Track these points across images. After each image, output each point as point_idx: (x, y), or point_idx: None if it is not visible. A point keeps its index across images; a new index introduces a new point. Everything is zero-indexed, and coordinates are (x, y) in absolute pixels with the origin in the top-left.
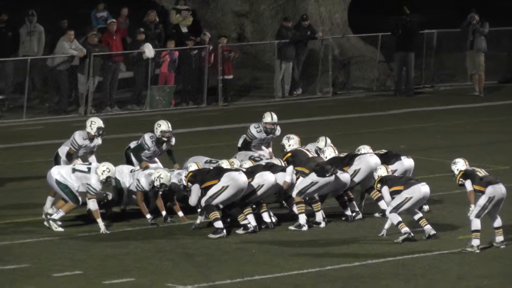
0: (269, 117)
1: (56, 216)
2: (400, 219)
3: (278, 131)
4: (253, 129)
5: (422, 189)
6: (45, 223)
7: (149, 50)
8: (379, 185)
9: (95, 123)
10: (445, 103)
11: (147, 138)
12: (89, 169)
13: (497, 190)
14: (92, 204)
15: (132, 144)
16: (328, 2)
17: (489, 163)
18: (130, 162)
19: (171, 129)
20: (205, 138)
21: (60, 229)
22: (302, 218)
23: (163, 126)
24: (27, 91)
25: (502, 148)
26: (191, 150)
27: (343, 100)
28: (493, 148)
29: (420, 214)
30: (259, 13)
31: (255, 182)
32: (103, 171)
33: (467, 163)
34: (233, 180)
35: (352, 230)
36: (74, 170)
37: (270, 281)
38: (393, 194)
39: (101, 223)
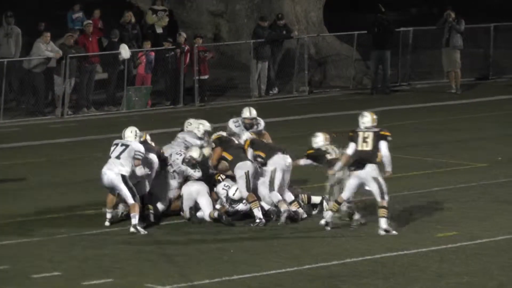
0: (247, 112)
1: (134, 221)
2: (279, 197)
3: (261, 125)
4: (231, 123)
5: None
6: (132, 229)
7: (125, 51)
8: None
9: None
10: (422, 101)
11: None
12: None
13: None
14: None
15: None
16: (304, 1)
17: (466, 160)
18: None
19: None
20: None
21: (144, 231)
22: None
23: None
24: (4, 93)
25: (480, 146)
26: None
27: (319, 99)
28: (471, 145)
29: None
30: (235, 12)
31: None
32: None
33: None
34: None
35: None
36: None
37: (249, 280)
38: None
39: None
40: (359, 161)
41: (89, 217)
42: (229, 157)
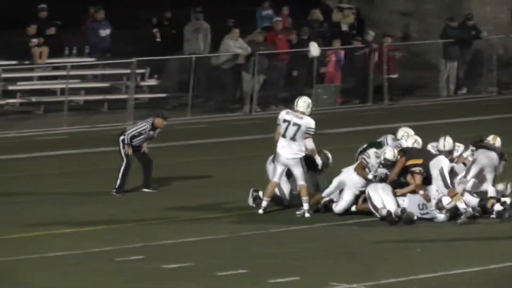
0: (442, 144)
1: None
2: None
3: (460, 150)
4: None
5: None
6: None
7: (314, 49)
8: None
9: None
10: None
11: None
12: None
13: None
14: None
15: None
16: (493, 2)
17: None
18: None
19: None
20: (371, 137)
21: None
22: None
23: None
24: (192, 89)
25: None
26: (355, 149)
27: (508, 99)
28: None
29: None
30: (424, 12)
31: None
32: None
33: None
34: None
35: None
36: None
37: (434, 279)
38: None
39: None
40: None
41: (273, 214)
42: (419, 161)
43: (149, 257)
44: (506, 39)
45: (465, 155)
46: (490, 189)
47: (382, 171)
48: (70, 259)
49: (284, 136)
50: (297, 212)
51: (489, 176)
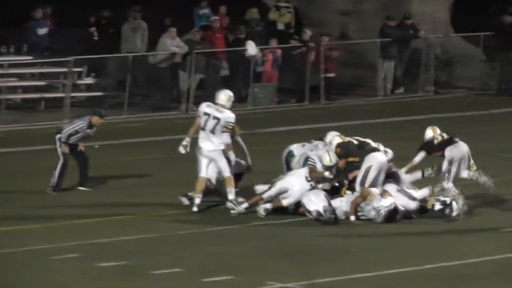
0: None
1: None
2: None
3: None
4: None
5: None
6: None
7: (251, 48)
8: None
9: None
10: None
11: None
12: None
13: None
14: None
15: (292, 148)
16: (431, 1)
17: None
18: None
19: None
20: (309, 136)
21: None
22: None
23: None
24: (129, 88)
25: None
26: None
27: (445, 99)
28: None
29: None
30: (362, 11)
31: None
32: None
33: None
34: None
35: (452, 229)
36: None
37: (371, 279)
38: None
39: None
40: None
41: (212, 214)
42: (356, 159)
43: (84, 255)
44: (444, 38)
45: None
46: (465, 174)
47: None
48: (5, 257)
49: (203, 129)
50: (232, 211)
51: (464, 166)
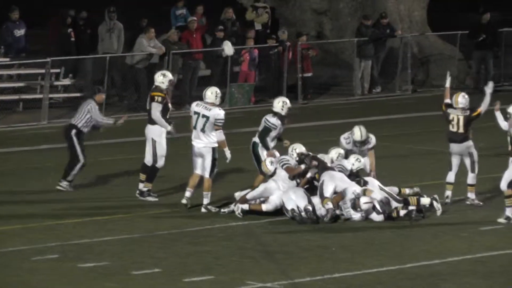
0: (358, 135)
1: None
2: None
3: (372, 143)
4: (343, 140)
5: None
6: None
7: (228, 48)
8: None
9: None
10: None
11: (270, 118)
12: None
13: None
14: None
15: (256, 139)
16: (408, 0)
17: None
18: (259, 161)
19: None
20: (285, 135)
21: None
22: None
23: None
24: (106, 88)
25: None
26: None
27: (422, 97)
28: None
29: None
30: (338, 10)
31: None
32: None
33: None
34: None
35: (431, 227)
36: None
37: (350, 278)
38: None
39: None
40: None
41: (191, 214)
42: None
43: (64, 256)
44: (420, 37)
45: None
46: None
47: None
48: None
49: (195, 127)
50: (222, 210)
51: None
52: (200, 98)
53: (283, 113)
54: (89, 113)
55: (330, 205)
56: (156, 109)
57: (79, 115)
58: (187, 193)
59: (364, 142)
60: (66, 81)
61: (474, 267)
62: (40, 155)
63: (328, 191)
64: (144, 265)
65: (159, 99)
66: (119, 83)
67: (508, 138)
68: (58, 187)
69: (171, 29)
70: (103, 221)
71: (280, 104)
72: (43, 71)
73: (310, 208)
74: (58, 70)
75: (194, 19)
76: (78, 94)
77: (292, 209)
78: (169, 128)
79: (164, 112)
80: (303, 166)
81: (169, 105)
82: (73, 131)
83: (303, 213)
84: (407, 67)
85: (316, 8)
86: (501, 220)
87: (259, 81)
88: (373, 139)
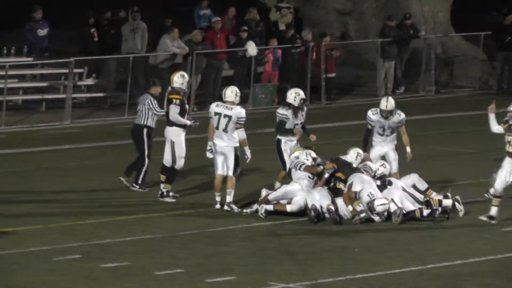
0: (384, 104)
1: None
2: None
3: (401, 117)
4: (370, 113)
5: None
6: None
7: (252, 48)
8: None
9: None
10: None
11: (280, 109)
12: None
13: None
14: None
15: (278, 136)
16: (431, 1)
17: None
18: (282, 158)
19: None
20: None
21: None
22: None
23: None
24: (130, 88)
25: None
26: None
27: (446, 98)
28: None
29: None
30: (362, 11)
31: None
32: None
33: None
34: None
35: (453, 228)
36: None
37: (372, 279)
38: None
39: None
40: None
41: (213, 214)
42: (343, 176)
43: (86, 256)
44: (444, 38)
45: None
46: None
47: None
48: (7, 258)
49: (217, 128)
50: (244, 210)
51: None
52: (222, 99)
53: (296, 104)
54: (149, 109)
55: (359, 207)
56: (174, 111)
57: (142, 113)
58: (217, 198)
59: (391, 113)
60: (89, 81)
61: (496, 268)
62: (62, 155)
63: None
64: (166, 266)
65: (177, 101)
66: (143, 83)
67: (507, 138)
68: (131, 186)
69: (195, 30)
70: (124, 221)
71: (293, 95)
72: (66, 71)
73: (332, 208)
74: (81, 70)
75: (218, 19)
76: (101, 94)
77: (313, 206)
78: (189, 122)
79: (181, 113)
80: (321, 167)
81: (186, 106)
82: (145, 131)
83: (326, 214)
84: (431, 68)
85: (340, 8)
86: (483, 217)
87: (283, 81)
88: (402, 115)
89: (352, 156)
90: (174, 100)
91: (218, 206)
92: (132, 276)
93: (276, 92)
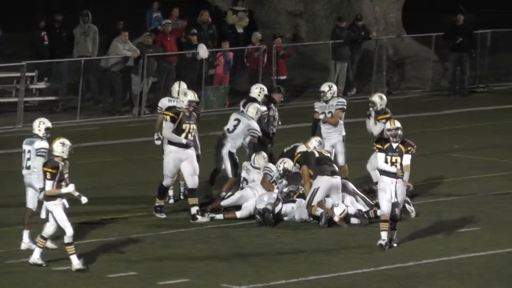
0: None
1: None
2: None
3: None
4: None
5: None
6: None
7: (203, 51)
8: None
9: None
10: (500, 103)
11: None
12: None
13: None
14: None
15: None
16: (383, 2)
17: None
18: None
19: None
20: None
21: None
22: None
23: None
24: (81, 92)
25: None
26: (243, 151)
27: (397, 100)
28: None
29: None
30: (313, 13)
31: None
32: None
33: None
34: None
35: (406, 229)
36: None
37: (325, 281)
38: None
39: None
40: None
41: (166, 217)
42: (311, 172)
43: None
44: (395, 39)
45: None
46: None
47: (285, 185)
48: None
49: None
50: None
51: None
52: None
53: (259, 99)
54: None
55: (320, 210)
56: (166, 129)
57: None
58: (170, 192)
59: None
60: (41, 85)
61: (450, 269)
62: (14, 159)
63: (317, 199)
64: (119, 268)
65: (168, 118)
66: (94, 87)
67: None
68: None
69: (145, 32)
70: (76, 225)
71: (258, 90)
72: (18, 74)
73: (270, 208)
74: (32, 74)
75: (168, 22)
76: (53, 98)
77: (260, 209)
78: (184, 141)
79: (178, 131)
80: (276, 188)
81: (186, 125)
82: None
83: (266, 214)
84: (382, 69)
85: (291, 10)
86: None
87: (234, 84)
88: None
89: (315, 144)
90: (165, 117)
91: (171, 200)
92: (87, 279)
93: (228, 94)
